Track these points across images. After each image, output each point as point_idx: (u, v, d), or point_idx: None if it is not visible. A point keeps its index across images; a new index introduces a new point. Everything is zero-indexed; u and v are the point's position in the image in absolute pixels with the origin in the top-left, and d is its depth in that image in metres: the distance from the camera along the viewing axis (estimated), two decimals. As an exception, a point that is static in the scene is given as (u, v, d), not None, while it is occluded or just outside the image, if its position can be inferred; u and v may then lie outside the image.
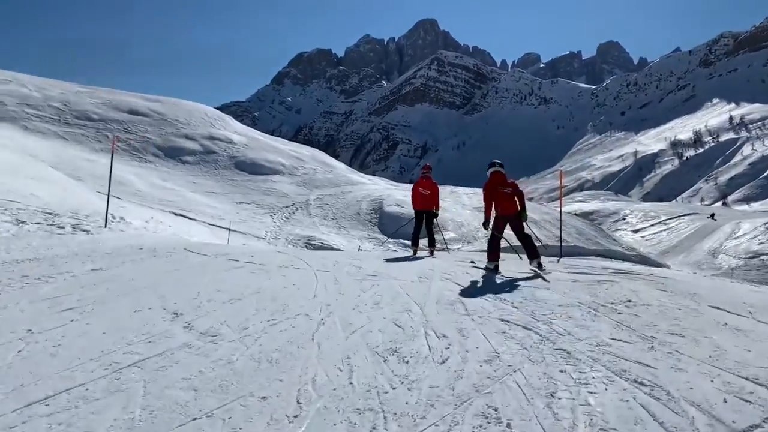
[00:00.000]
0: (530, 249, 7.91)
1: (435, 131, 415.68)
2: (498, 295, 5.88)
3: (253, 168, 49.43)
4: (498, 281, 6.80)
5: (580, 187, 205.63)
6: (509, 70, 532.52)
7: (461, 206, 53.93)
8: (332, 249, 37.08)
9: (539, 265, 7.72)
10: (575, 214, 61.42)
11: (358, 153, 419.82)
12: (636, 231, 65.36)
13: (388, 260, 9.32)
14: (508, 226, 8.08)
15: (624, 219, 70.66)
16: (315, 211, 44.97)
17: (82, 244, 9.35)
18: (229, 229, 31.48)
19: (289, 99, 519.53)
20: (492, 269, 7.71)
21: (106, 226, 12.29)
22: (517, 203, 8.04)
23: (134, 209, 28.27)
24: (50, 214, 11.95)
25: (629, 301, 5.86)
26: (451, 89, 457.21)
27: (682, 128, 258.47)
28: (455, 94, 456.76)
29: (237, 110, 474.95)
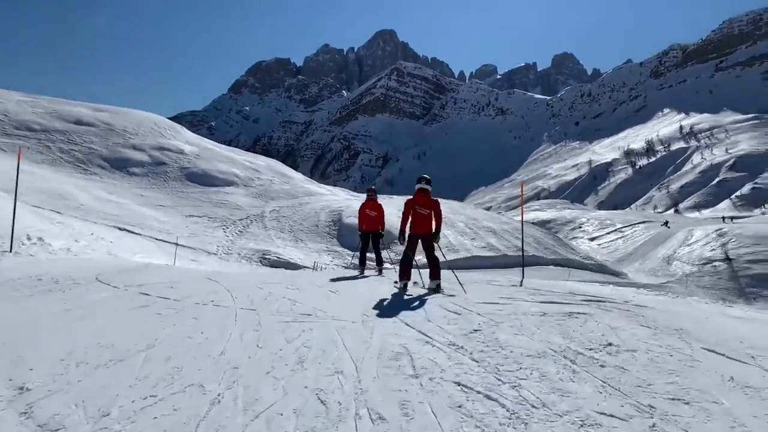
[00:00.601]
0: (434, 269, 7.87)
1: (396, 141, 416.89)
2: (454, 341, 4.80)
3: (205, 179, 47.49)
4: (453, 316, 5.72)
5: (537, 196, 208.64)
6: (467, 81, 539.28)
7: (421, 217, 53.21)
8: (288, 263, 35.70)
9: (438, 287, 7.65)
10: (532, 223, 61.53)
11: (318, 163, 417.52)
12: (592, 239, 65.94)
13: (334, 284, 8.20)
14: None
15: (580, 227, 71.30)
16: (271, 224, 43.39)
17: (-33, 276, 7.88)
18: (177, 244, 29.76)
19: (247, 108, 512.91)
20: (401, 288, 7.78)
21: (11, 251, 10.70)
22: (433, 224, 8.06)
23: (73, 225, 26.31)
24: (-57, 237, 10.33)
25: (610, 344, 4.87)
26: (411, 99, 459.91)
27: (635, 138, 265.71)
28: (415, 104, 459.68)
29: (193, 120, 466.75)
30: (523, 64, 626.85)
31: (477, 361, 4.26)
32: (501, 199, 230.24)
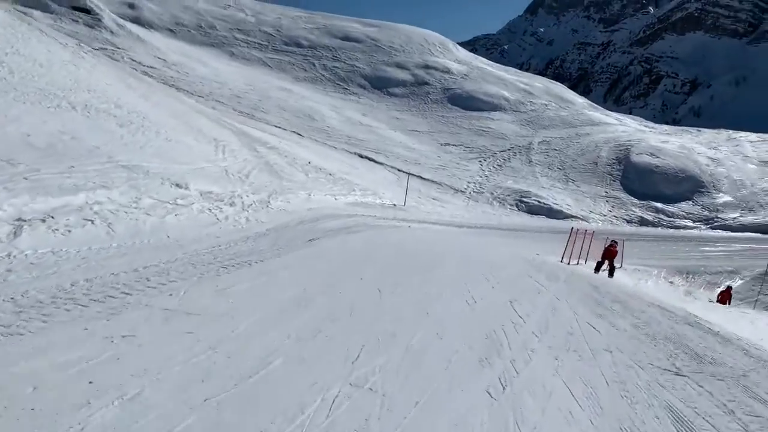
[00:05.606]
0: (611, 271, 15.39)
1: (708, 64, 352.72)
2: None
3: (468, 102, 42.30)
4: None
5: None
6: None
7: (741, 158, 39.92)
8: (551, 210, 28.74)
9: (611, 275, 15.24)
10: None
11: (613, 88, 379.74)
12: None
13: None
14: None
15: None
16: (537, 158, 36.49)
17: None
18: (408, 174, 25.51)
19: (542, 30, 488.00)
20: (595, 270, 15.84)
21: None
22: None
23: (294, 150, 23.57)
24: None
25: None
26: (734, 14, 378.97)
27: None
28: (739, 20, 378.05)
29: (486, 43, 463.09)
30: None
31: None
32: None
